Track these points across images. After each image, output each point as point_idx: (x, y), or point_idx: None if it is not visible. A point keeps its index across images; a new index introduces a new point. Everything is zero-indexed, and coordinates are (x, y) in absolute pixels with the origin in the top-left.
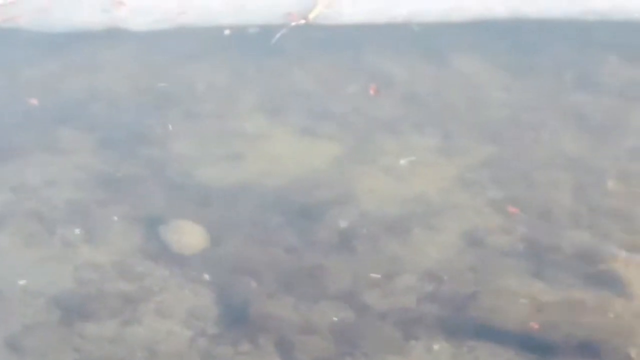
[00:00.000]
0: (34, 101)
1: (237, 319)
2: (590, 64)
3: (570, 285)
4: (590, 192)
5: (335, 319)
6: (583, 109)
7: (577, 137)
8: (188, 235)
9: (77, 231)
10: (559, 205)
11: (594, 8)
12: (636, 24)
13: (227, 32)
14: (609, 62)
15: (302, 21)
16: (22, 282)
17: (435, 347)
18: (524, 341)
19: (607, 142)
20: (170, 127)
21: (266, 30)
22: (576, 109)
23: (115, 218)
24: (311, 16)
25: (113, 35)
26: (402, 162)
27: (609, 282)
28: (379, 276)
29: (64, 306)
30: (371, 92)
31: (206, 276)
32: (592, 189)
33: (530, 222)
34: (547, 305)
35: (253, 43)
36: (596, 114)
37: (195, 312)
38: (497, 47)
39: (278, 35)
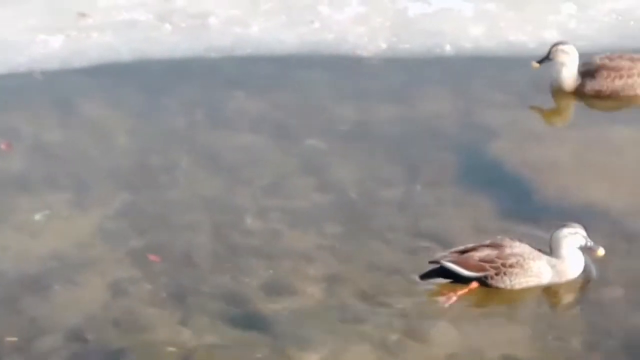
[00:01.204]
0: None
1: None
2: (219, 101)
3: (216, 329)
4: (229, 232)
5: None
6: (216, 148)
7: (212, 177)
8: None
9: None
10: (199, 248)
11: (216, 45)
12: (257, 58)
13: None
14: (237, 98)
15: None
16: None
17: None
18: None
19: (242, 179)
20: None
21: None
22: (209, 148)
23: None
24: None
25: None
26: (37, 217)
27: (253, 322)
28: (15, 339)
29: None
30: (2, 147)
31: None
32: (231, 229)
33: (172, 269)
34: (195, 351)
35: None
36: (229, 151)
37: None
38: (123, 90)
39: None
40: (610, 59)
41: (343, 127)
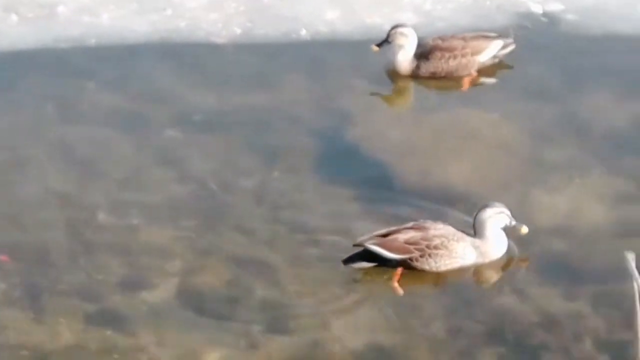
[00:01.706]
0: None
1: None
2: (70, 93)
3: (72, 329)
4: (83, 229)
5: None
6: (68, 142)
7: (65, 172)
8: None
9: None
10: (52, 246)
11: (65, 35)
12: (108, 47)
13: None
14: (89, 90)
15: None
16: None
17: None
18: None
19: (96, 174)
20: None
21: None
22: (60, 143)
23: None
24: None
25: None
26: None
27: (110, 320)
28: None
29: None
30: None
31: None
32: (85, 225)
33: (24, 268)
34: (50, 353)
35: None
36: (82, 145)
37: None
38: None
39: None
40: (443, 40)
41: (199, 117)
